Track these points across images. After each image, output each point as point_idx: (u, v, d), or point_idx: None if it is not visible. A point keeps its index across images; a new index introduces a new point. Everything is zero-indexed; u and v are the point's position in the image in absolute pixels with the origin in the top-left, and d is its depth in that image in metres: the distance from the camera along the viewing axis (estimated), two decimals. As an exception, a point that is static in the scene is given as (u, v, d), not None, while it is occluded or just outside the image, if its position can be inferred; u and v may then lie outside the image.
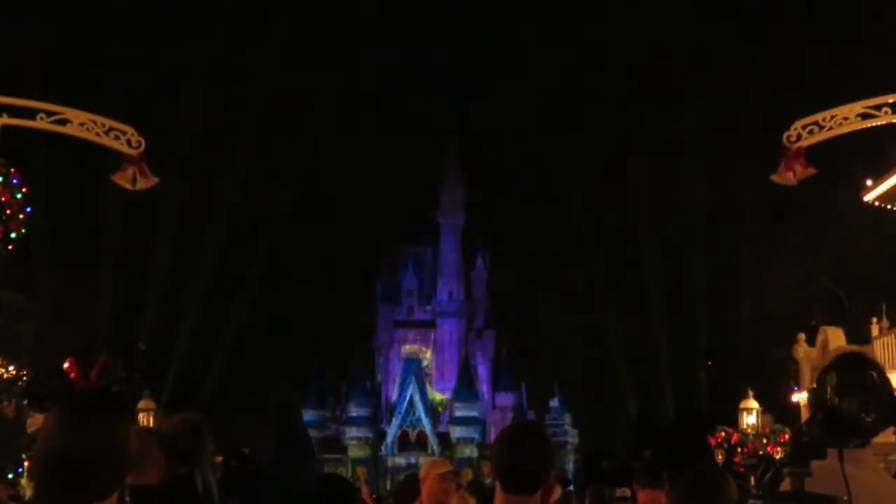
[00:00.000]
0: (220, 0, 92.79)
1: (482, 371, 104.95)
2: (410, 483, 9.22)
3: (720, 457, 32.52)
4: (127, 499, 3.63)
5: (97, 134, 14.56)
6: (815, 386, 4.09)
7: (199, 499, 5.61)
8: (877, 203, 23.69)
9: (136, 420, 31.29)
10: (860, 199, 24.30)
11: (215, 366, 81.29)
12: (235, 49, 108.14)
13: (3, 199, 14.83)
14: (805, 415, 4.12)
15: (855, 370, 3.94)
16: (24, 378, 35.06)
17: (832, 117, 14.55)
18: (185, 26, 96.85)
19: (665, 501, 6.49)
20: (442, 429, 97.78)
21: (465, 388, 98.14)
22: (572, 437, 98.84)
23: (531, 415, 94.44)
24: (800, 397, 30.71)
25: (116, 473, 3.47)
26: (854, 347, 21.98)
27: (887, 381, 3.96)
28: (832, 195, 37.13)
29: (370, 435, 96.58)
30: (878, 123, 14.66)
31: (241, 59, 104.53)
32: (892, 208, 23.83)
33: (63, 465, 3.38)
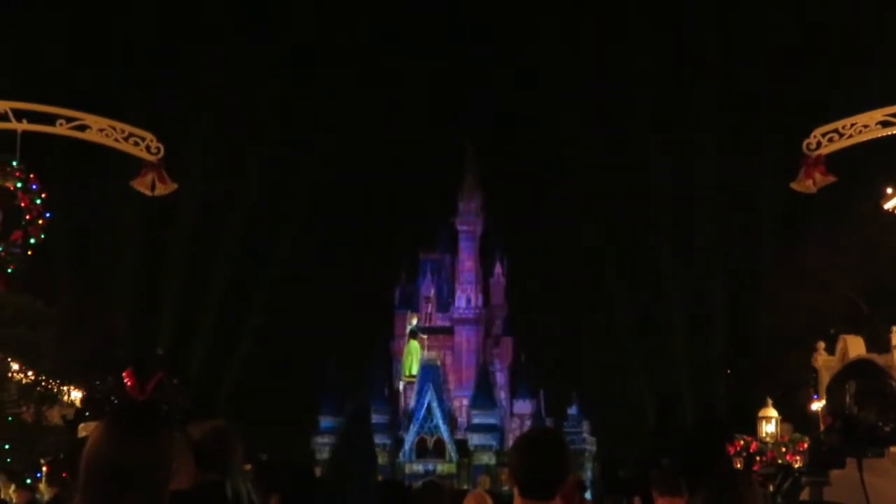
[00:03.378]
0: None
1: (500, 378, 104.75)
2: (427, 491, 9.19)
3: (739, 465, 32.41)
4: None
5: (116, 140, 14.60)
6: (828, 394, 4.08)
7: (229, 505, 5.64)
8: (897, 211, 23.56)
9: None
10: (880, 207, 24.18)
11: (232, 372, 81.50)
12: (253, 48, 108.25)
13: (22, 204, 14.90)
14: (823, 424, 4.09)
15: (873, 379, 3.92)
16: (45, 383, 35.15)
17: (852, 125, 14.52)
18: (203, 29, 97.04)
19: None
20: (460, 436, 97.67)
21: (483, 395, 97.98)
22: (590, 444, 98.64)
23: (549, 422, 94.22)
24: (819, 406, 30.58)
25: (157, 487, 3.62)
26: (868, 356, 21.86)
27: None
28: (852, 203, 37.00)
29: (387, 441, 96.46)
30: (899, 131, 14.61)
31: (259, 60, 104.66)
32: (912, 217, 23.71)
33: (103, 473, 3.55)
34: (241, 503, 5.76)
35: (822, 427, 4.25)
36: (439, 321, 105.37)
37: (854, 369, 4.03)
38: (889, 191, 23.67)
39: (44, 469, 29.20)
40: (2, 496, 22.35)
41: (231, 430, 6.04)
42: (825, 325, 38.57)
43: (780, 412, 33.92)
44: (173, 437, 3.80)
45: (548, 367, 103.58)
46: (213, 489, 5.59)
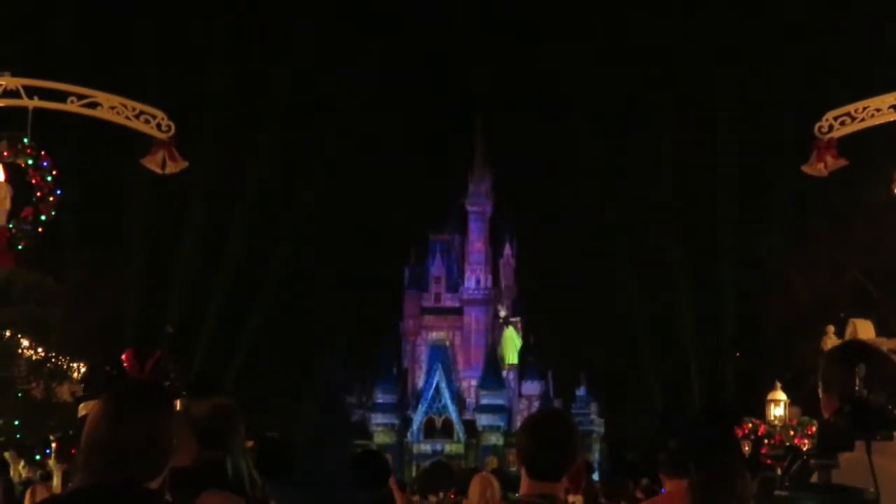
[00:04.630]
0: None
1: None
2: (436, 470, 9.21)
3: (747, 448, 32.39)
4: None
5: (127, 118, 14.63)
6: (832, 377, 4.11)
7: (230, 483, 5.66)
8: (907, 195, 23.48)
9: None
10: (890, 191, 24.13)
11: (241, 349, 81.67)
12: (263, 31, 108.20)
13: (33, 181, 14.94)
14: (825, 407, 4.15)
15: (881, 364, 3.93)
16: (53, 360, 35.29)
17: (864, 108, 14.49)
18: (214, 9, 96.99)
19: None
20: (468, 416, 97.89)
21: (492, 376, 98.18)
22: (598, 426, 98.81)
23: (557, 403, 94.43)
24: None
25: (155, 462, 3.70)
26: (875, 340, 21.82)
27: None
28: (862, 186, 36.92)
29: (396, 421, 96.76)
30: (911, 115, 14.56)
31: (269, 43, 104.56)
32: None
33: (100, 451, 3.64)
34: (243, 480, 5.78)
35: (822, 409, 4.28)
36: (448, 301, 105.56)
37: (856, 353, 4.05)
38: (899, 175, 23.60)
39: (53, 446, 29.32)
40: (11, 473, 22.38)
41: (233, 408, 6.05)
42: (835, 309, 38.51)
43: (788, 395, 33.88)
44: (173, 414, 3.85)
45: (556, 348, 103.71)
46: (214, 466, 5.61)
